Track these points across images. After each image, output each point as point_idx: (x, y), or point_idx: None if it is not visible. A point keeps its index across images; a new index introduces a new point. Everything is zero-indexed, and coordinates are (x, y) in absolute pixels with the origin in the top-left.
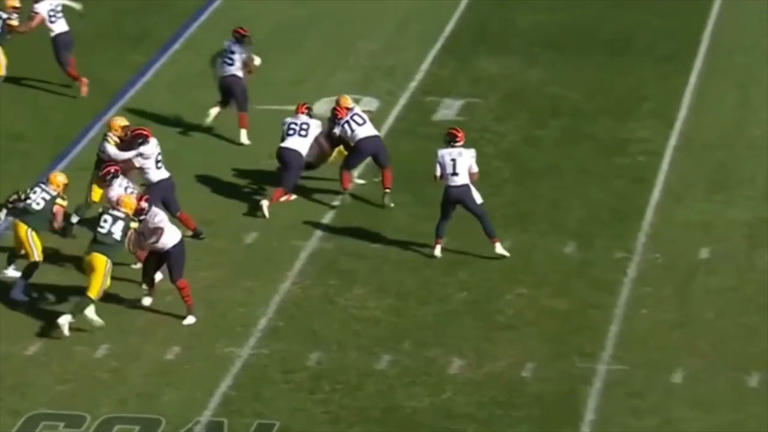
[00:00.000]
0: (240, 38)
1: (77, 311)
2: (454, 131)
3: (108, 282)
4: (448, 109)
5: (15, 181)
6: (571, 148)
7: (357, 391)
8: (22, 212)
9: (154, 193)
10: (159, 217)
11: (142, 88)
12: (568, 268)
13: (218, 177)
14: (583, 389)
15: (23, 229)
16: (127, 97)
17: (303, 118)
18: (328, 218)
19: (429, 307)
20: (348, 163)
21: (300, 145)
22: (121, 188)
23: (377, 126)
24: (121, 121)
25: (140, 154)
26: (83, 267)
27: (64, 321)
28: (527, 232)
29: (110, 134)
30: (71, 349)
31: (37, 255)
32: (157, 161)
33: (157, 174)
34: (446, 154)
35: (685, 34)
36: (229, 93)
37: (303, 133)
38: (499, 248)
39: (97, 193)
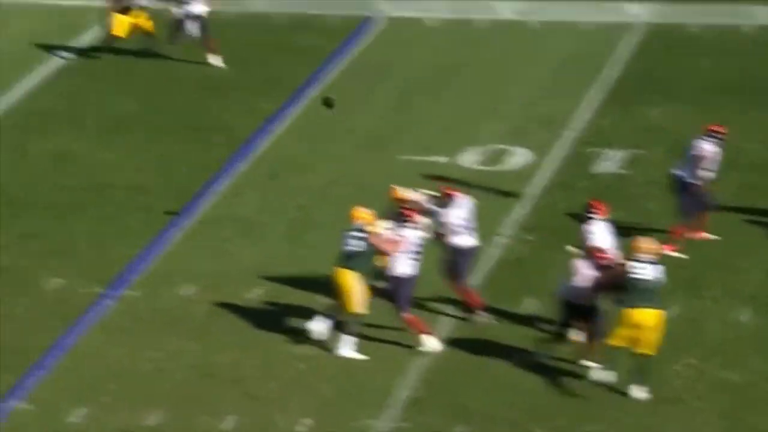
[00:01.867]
0: None
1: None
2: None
3: None
4: (610, 161)
5: (135, 237)
6: (748, 204)
7: None
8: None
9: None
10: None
11: (271, 137)
12: (742, 337)
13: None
14: None
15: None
16: (254, 146)
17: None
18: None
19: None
20: None
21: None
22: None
23: (530, 179)
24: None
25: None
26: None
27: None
28: (698, 297)
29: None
30: (194, 419)
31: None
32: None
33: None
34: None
35: None
36: None
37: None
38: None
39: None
